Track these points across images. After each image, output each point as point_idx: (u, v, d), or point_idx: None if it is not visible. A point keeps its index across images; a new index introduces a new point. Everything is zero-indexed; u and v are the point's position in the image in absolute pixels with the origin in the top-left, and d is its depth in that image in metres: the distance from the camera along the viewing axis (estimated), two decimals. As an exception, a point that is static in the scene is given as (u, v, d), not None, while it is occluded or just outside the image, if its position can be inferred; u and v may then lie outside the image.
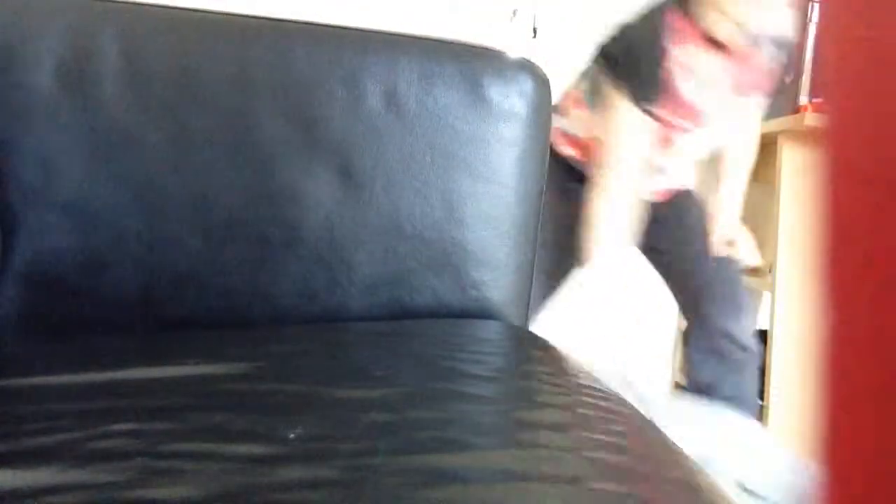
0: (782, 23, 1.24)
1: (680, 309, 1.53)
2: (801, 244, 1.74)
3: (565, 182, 1.45)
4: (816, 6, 1.71)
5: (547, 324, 2.16)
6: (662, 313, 2.30)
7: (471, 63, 0.78)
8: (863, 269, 0.15)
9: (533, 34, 2.19)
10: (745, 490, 1.21)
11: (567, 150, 1.45)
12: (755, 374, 1.46)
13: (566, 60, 2.11)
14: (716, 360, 1.44)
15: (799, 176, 1.76)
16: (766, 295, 2.18)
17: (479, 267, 0.79)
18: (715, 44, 1.24)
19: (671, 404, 1.43)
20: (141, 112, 0.71)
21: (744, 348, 1.43)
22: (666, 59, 1.24)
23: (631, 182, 1.31)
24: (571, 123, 1.43)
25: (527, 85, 0.80)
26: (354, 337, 0.65)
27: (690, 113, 1.30)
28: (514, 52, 0.83)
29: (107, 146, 0.71)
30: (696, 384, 1.47)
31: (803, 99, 1.72)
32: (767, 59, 1.29)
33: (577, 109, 1.42)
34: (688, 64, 1.25)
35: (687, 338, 1.50)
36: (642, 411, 0.53)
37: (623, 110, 1.28)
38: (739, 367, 1.44)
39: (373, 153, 0.76)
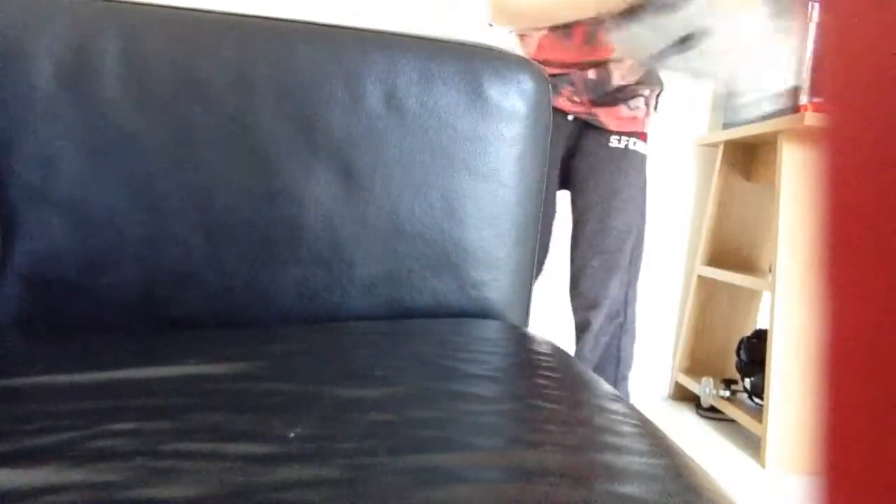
0: None
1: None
2: (801, 244, 1.74)
3: None
4: (816, 6, 1.71)
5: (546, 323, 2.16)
6: (662, 313, 2.30)
7: (471, 63, 0.78)
8: (862, 268, 0.15)
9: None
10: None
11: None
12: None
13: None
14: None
15: (799, 176, 1.76)
16: (766, 295, 2.19)
17: (479, 267, 0.79)
18: None
19: None
20: (141, 112, 0.71)
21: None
22: None
23: None
24: None
25: (527, 85, 0.80)
26: (354, 337, 0.65)
27: None
28: (513, 52, 0.82)
29: (107, 146, 0.70)
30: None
31: (803, 99, 1.72)
32: None
33: None
34: None
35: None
36: None
37: None
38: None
39: (373, 153, 0.76)
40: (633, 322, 1.46)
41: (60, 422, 0.40)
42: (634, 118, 1.41)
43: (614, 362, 1.43)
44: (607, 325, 1.42)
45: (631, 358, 1.46)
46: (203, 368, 0.51)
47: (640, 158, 1.43)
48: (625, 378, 1.46)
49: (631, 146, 1.41)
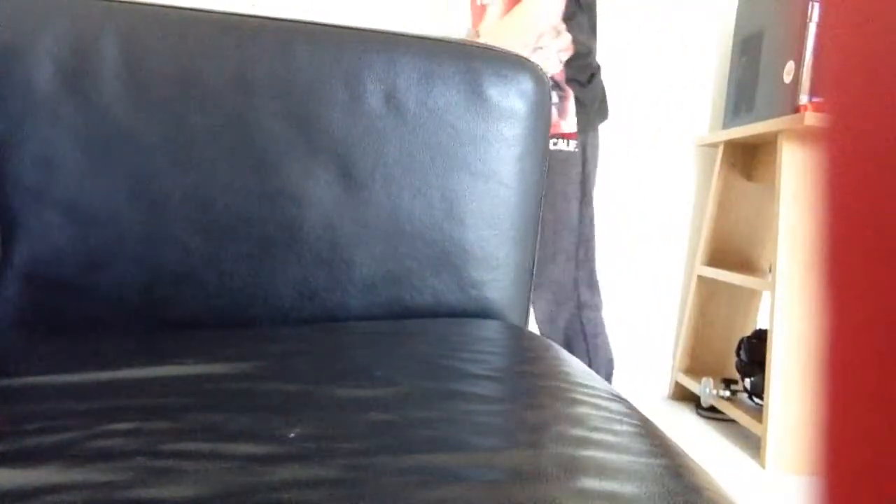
0: None
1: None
2: (801, 244, 1.74)
3: None
4: (816, 6, 1.71)
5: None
6: (663, 313, 2.30)
7: (471, 63, 0.78)
8: (862, 268, 0.15)
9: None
10: None
11: None
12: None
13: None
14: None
15: (799, 176, 1.76)
16: (766, 295, 2.19)
17: (479, 267, 0.79)
18: None
19: None
20: (141, 112, 0.71)
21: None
22: None
23: None
24: None
25: (527, 85, 0.80)
26: (354, 337, 0.65)
27: None
28: (513, 51, 0.82)
29: (107, 146, 0.71)
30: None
31: (803, 99, 1.72)
32: None
33: None
34: None
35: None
36: None
37: None
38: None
39: (373, 153, 0.76)
40: (590, 298, 1.61)
41: (60, 422, 0.40)
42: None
43: (580, 335, 1.57)
44: (559, 310, 1.58)
45: (599, 325, 1.59)
46: (203, 368, 0.51)
47: (566, 155, 1.58)
48: (596, 343, 1.55)
49: (552, 147, 1.58)
